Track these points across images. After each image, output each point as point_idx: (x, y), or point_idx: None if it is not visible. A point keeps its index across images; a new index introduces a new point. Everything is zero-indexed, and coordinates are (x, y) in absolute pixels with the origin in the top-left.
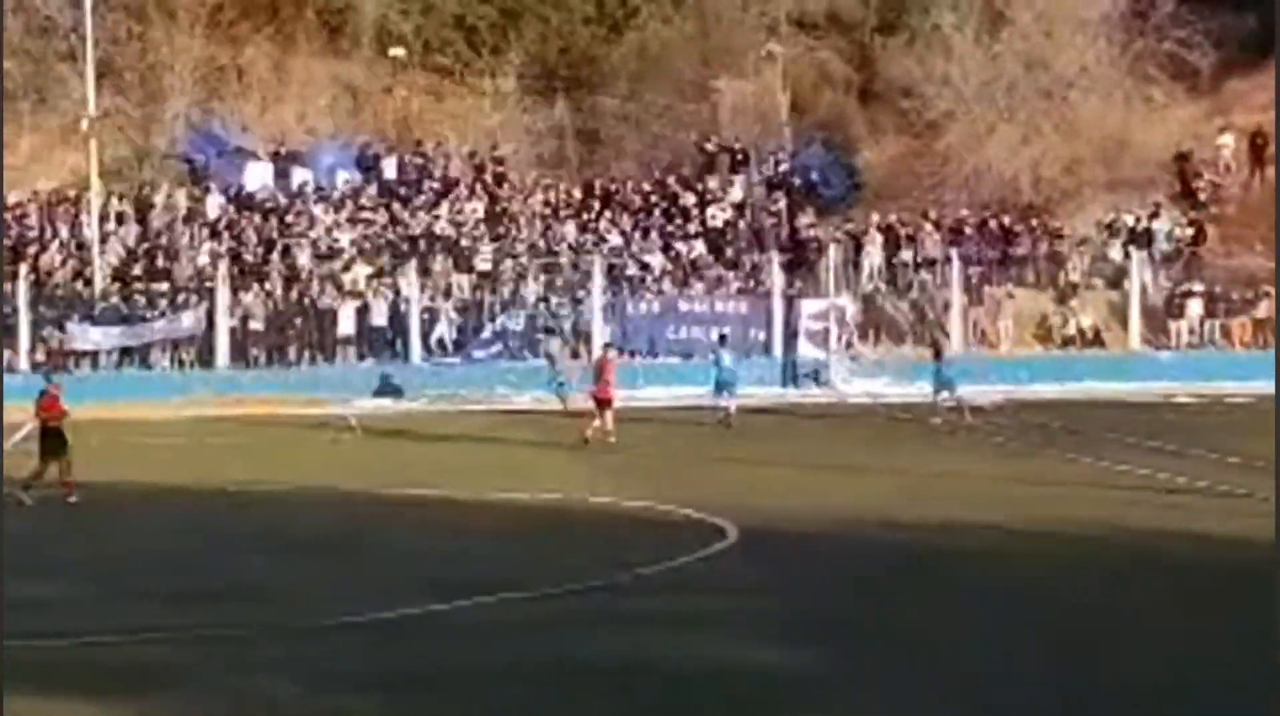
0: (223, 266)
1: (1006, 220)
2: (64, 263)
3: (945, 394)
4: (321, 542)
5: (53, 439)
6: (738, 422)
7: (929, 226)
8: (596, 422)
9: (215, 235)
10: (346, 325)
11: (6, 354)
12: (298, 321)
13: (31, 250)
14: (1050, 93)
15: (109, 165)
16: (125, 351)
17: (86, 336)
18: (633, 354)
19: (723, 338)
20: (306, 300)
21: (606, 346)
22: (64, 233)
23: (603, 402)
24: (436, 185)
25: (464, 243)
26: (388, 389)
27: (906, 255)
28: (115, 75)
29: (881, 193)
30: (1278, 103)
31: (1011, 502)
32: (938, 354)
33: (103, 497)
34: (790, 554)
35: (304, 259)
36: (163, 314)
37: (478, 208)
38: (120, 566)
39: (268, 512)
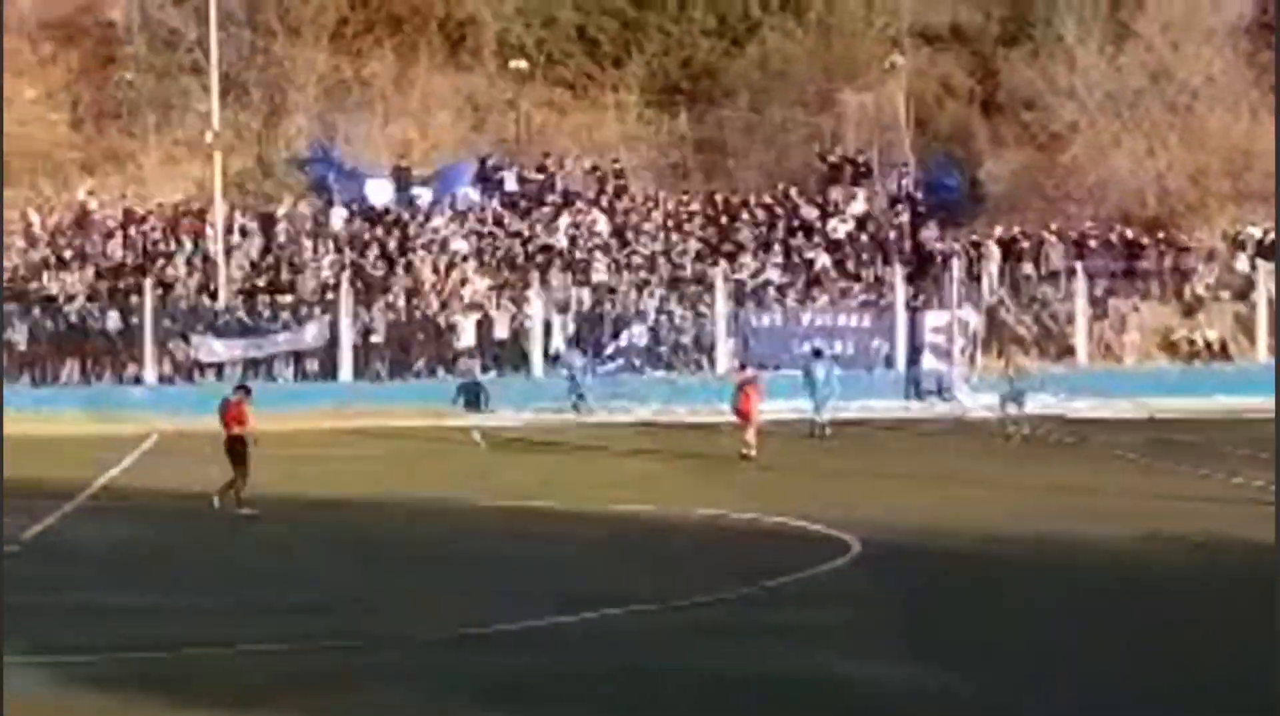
0: (345, 279)
1: (1131, 233)
2: (189, 275)
3: (1013, 407)
4: (448, 554)
5: (236, 448)
6: (860, 436)
7: (1053, 239)
8: (746, 436)
9: (338, 248)
10: (467, 338)
11: (132, 367)
12: (419, 334)
13: (157, 263)
14: (1175, 104)
15: (233, 178)
16: (249, 363)
17: (211, 349)
18: (760, 367)
19: (817, 351)
20: (428, 313)
21: (741, 367)
22: (189, 245)
23: (743, 416)
24: (558, 198)
25: (584, 256)
26: (471, 399)
27: (1029, 268)
28: (239, 89)
29: (1004, 205)
30: (1277, 103)
31: (1139, 517)
32: (1008, 366)
33: (228, 509)
34: (914, 567)
35: (425, 272)
36: (285, 326)
37: (599, 220)
38: (251, 577)
39: (396, 524)
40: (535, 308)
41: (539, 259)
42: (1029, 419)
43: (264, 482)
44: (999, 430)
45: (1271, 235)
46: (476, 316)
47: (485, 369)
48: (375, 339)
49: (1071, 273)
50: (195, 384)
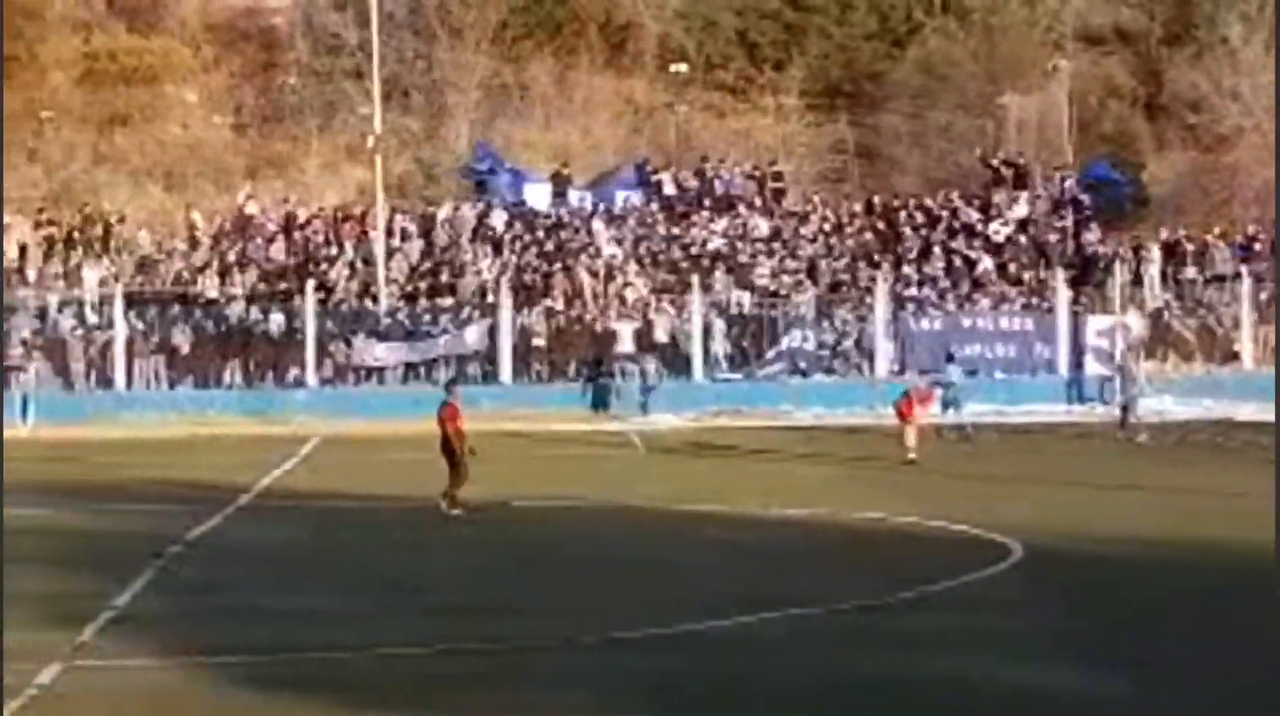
0: (505, 282)
1: None
2: (350, 278)
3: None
4: (602, 557)
5: (451, 449)
6: (1021, 440)
7: (1218, 242)
8: (908, 440)
9: (498, 251)
10: (626, 342)
11: (294, 370)
12: (578, 338)
13: (319, 266)
14: None
15: (393, 182)
16: (409, 367)
17: (372, 352)
18: (922, 372)
19: (950, 356)
20: (587, 317)
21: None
22: (350, 249)
23: (904, 418)
24: (717, 202)
25: (744, 259)
26: (599, 402)
27: (1193, 271)
28: (400, 93)
29: (1168, 207)
30: (1278, 102)
31: None
32: (1123, 374)
33: (386, 510)
34: (1077, 574)
35: (584, 276)
36: (446, 330)
37: (758, 224)
38: (406, 579)
39: (553, 527)
40: (695, 311)
41: (698, 262)
42: (1145, 425)
43: (421, 487)
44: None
45: None
46: (636, 323)
47: (626, 373)
48: (536, 343)
49: (1236, 276)
50: (356, 388)
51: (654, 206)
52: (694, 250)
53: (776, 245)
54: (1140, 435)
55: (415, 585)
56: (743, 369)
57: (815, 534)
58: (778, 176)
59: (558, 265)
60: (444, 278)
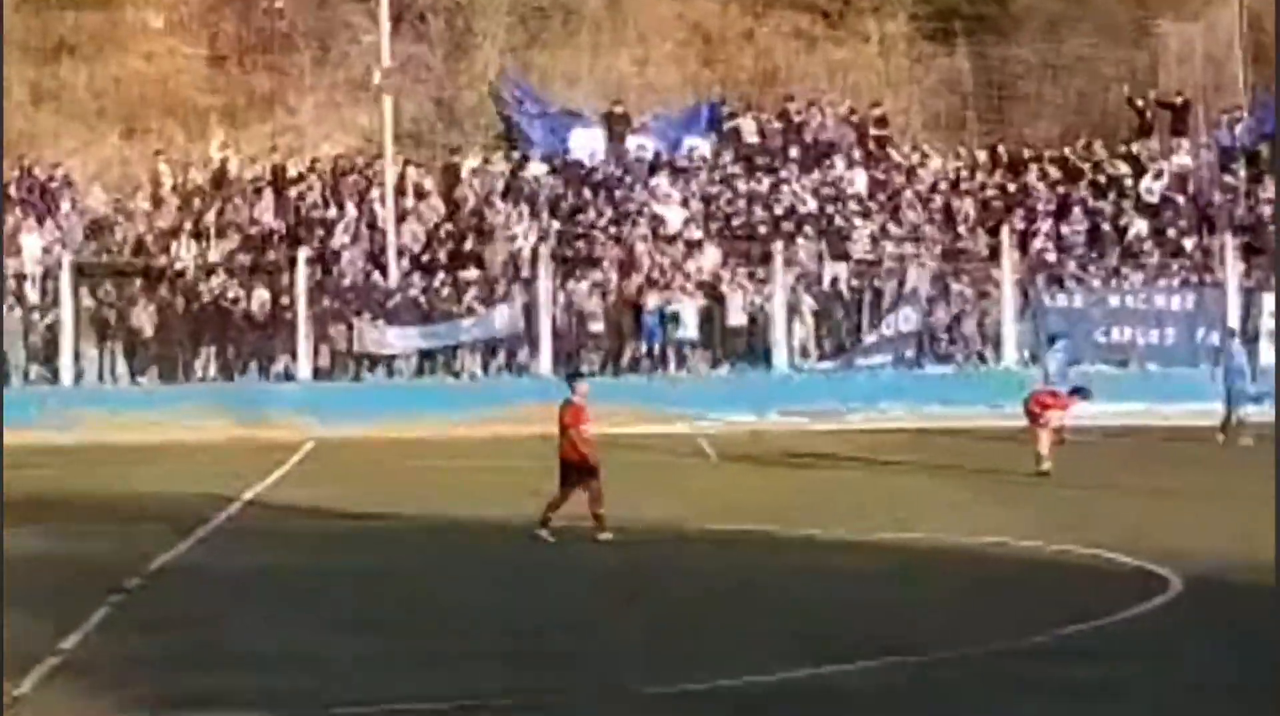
0: (545, 251)
1: None
2: (353, 245)
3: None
4: (670, 589)
5: (575, 459)
6: (1179, 446)
7: None
8: (1039, 446)
9: (535, 213)
10: (691, 325)
11: (283, 359)
12: (634, 319)
13: (314, 232)
14: None
15: (407, 128)
16: (425, 355)
17: (380, 337)
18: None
19: (1052, 338)
20: (644, 293)
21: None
22: (352, 210)
23: (1036, 419)
24: (807, 152)
25: (839, 223)
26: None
27: None
28: (414, 18)
29: None
30: (1278, 103)
31: None
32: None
33: (398, 531)
34: (1248, 611)
35: (642, 243)
36: (471, 310)
37: (856, 179)
38: (418, 615)
39: (605, 552)
40: (778, 287)
41: (782, 227)
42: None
43: (455, 503)
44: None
45: None
46: (703, 300)
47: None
48: (594, 327)
49: None
50: (360, 381)
51: (728, 158)
52: (777, 211)
53: (879, 205)
54: (1243, 438)
55: (432, 621)
56: (837, 358)
57: (931, 562)
58: (881, 121)
59: (609, 230)
60: (469, 245)
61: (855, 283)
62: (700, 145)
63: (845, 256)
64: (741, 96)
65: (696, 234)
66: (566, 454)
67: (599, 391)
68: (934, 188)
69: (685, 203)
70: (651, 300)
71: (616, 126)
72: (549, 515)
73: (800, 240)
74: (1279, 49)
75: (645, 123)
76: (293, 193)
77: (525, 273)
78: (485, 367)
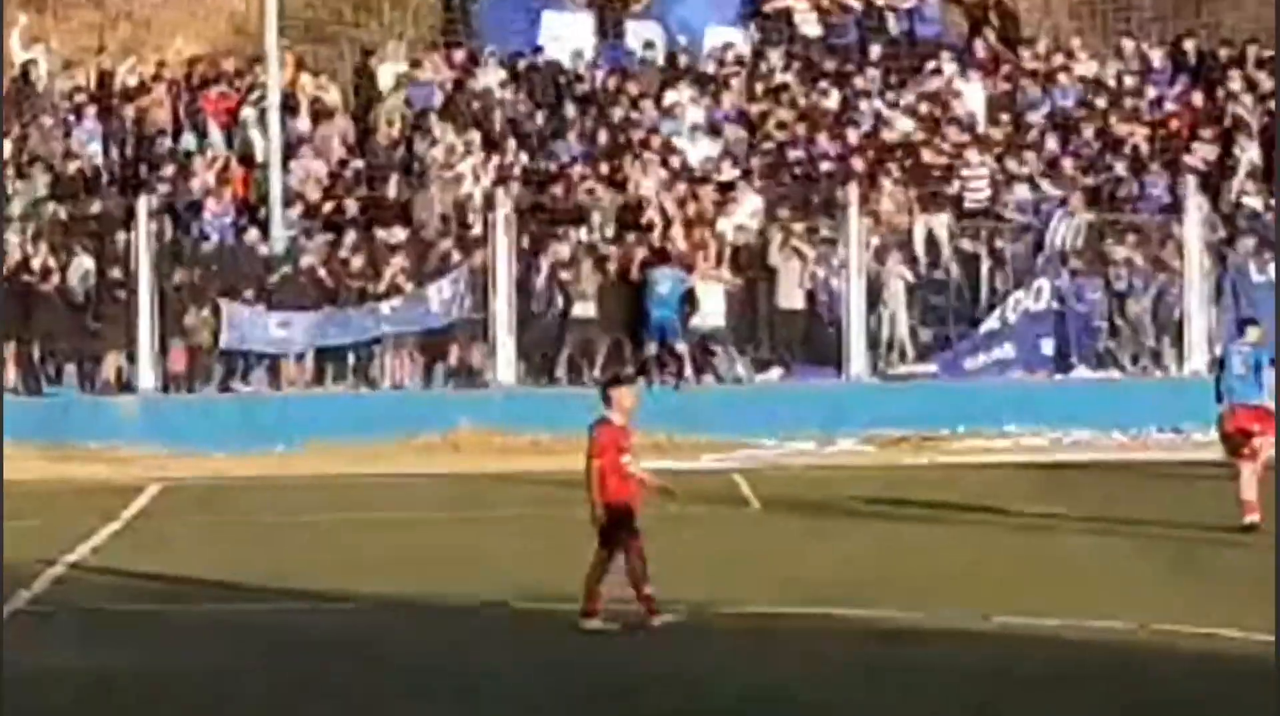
0: (505, 199)
1: None
2: (218, 191)
3: None
4: (710, 706)
5: (616, 511)
6: None
7: None
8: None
9: (490, 143)
10: (720, 308)
11: (114, 359)
12: (636, 301)
13: (161, 171)
14: None
15: (298, 14)
16: (327, 354)
17: (260, 327)
18: None
19: (1244, 321)
20: (653, 262)
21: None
22: (217, 137)
23: (1238, 447)
24: (894, 51)
25: (944, 158)
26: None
27: None
28: None
29: None
30: (1278, 105)
31: None
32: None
33: (289, 616)
34: None
35: (650, 188)
36: (395, 288)
37: (969, 94)
38: None
39: (618, 647)
40: (852, 253)
41: (858, 164)
42: None
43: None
44: None
45: None
46: (735, 274)
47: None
48: (579, 312)
49: None
50: (231, 393)
51: (775, 57)
52: (851, 140)
53: (1002, 132)
54: None
55: None
56: (936, 357)
57: (1079, 667)
58: (1005, 6)
59: (602, 169)
60: (391, 191)
61: (966, 245)
62: (735, 39)
63: (952, 206)
64: None
65: (731, 173)
66: (610, 498)
67: (583, 410)
68: (1084, 104)
69: (714, 127)
70: (664, 274)
71: (610, 10)
72: (595, 591)
73: (885, 183)
74: (1279, 49)
75: (651, 4)
76: (129, 112)
77: (475, 232)
78: (425, 373)
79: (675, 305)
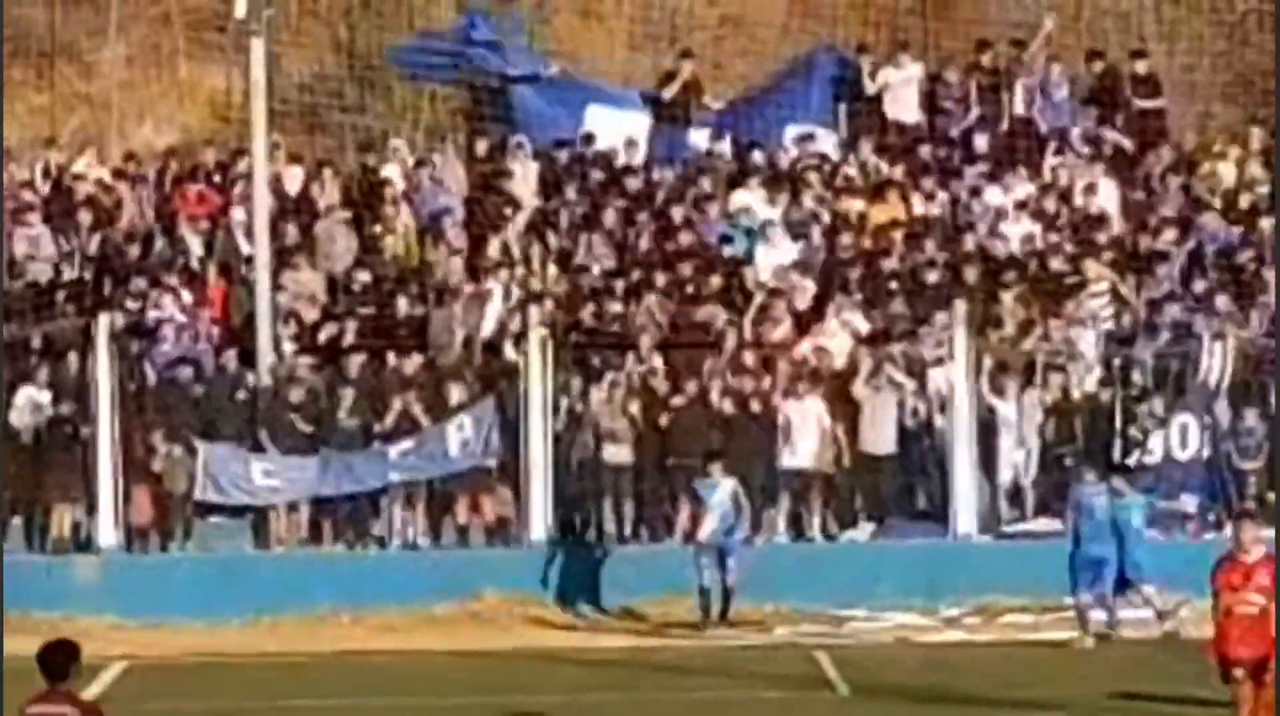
0: (536, 318)
1: None
2: (194, 307)
3: None
4: None
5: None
6: None
7: None
8: None
9: (520, 251)
10: (805, 445)
11: (69, 512)
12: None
13: (126, 285)
14: None
15: (289, 96)
16: (326, 505)
17: (243, 473)
18: None
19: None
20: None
21: None
22: (193, 243)
23: None
24: (1008, 139)
25: (1066, 264)
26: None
27: None
28: None
29: None
30: (1278, 111)
31: None
32: None
33: None
34: None
35: (719, 311)
36: (408, 425)
37: (1102, 189)
38: None
39: None
40: (960, 380)
41: (969, 273)
42: None
43: None
44: None
45: None
46: (816, 403)
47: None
48: (613, 455)
49: None
50: (209, 552)
51: (866, 148)
52: (964, 247)
53: (1129, 224)
54: None
55: None
56: (1064, 506)
57: None
58: (1146, 82)
59: (657, 278)
60: (401, 309)
61: (1099, 373)
62: (816, 132)
63: (1086, 315)
64: (887, 36)
65: (809, 286)
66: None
67: (622, 571)
68: (1236, 200)
69: (793, 232)
70: (711, 483)
71: (671, 105)
72: None
73: (1005, 298)
74: (1279, 50)
75: (725, 103)
76: (84, 217)
77: (503, 359)
78: (433, 529)
79: (730, 515)
